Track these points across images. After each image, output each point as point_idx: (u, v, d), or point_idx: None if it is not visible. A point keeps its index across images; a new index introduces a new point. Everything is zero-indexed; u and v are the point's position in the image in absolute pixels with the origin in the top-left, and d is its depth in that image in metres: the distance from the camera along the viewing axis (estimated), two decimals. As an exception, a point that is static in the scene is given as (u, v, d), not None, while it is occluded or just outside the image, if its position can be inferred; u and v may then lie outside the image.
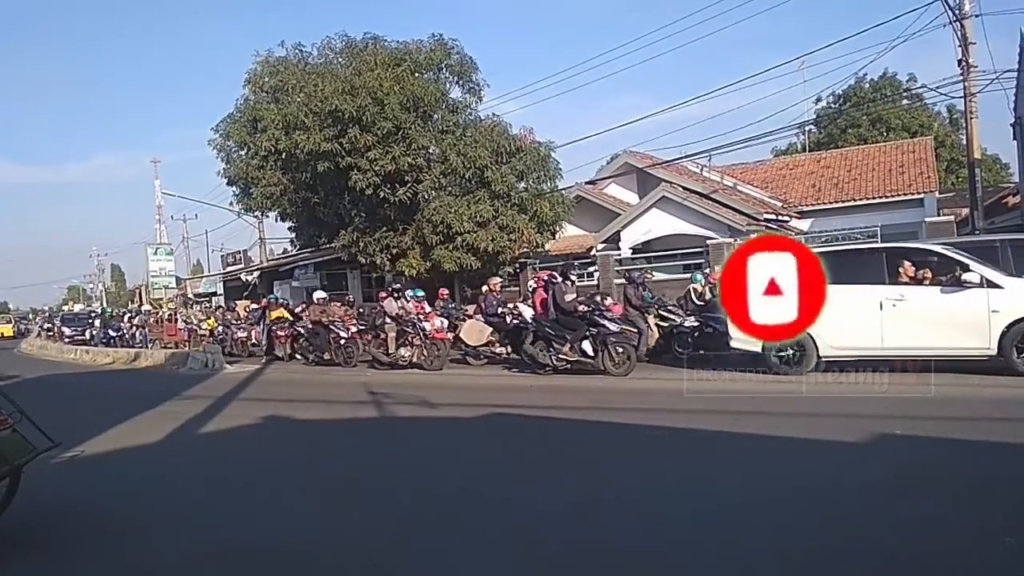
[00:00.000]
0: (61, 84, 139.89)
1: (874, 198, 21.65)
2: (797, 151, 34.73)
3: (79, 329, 33.60)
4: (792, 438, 6.33)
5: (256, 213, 26.59)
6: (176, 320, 24.96)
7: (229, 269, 38.26)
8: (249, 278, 33.41)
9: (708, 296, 12.10)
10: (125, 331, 26.99)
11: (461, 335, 13.70)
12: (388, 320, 13.75)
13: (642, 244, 20.98)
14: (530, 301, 12.61)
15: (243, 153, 19.92)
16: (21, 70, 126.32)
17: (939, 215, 17.79)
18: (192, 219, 46.71)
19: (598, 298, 11.82)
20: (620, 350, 10.82)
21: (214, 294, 38.48)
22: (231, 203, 24.79)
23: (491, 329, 13.42)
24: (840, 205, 22.11)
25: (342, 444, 7.77)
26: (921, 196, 20.73)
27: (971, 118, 15.18)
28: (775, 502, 4.62)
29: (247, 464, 6.86)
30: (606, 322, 10.90)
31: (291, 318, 17.56)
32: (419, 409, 9.16)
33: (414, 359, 13.33)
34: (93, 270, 69.62)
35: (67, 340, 31.43)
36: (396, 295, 14.08)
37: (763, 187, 24.17)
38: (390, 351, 13.60)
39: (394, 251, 18.15)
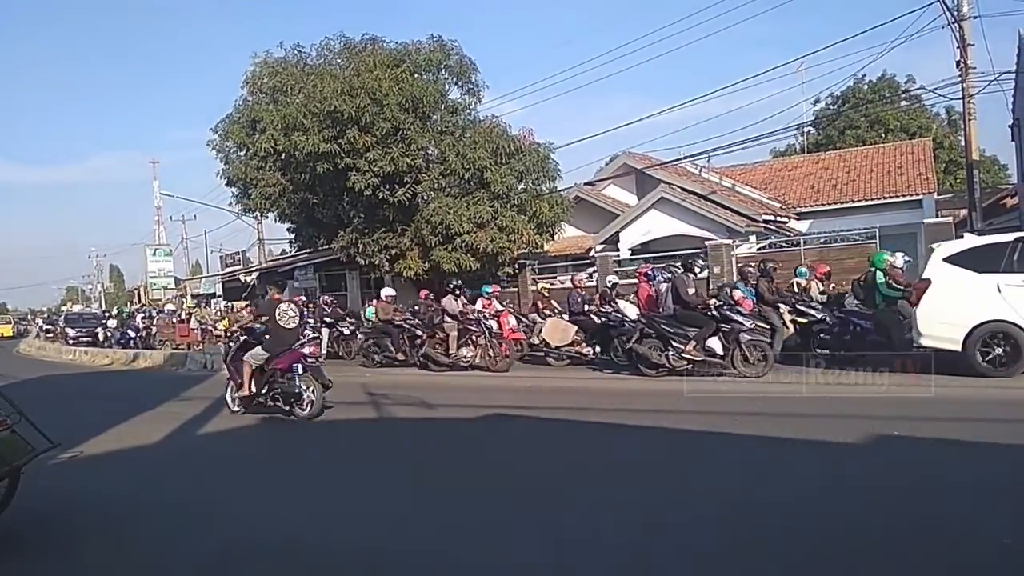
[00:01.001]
0: (60, 84, 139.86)
1: (873, 199, 21.67)
2: (796, 152, 34.78)
3: (85, 330, 31.15)
4: (792, 439, 6.34)
5: (255, 214, 26.53)
6: (189, 320, 23.92)
7: (228, 270, 38.26)
8: (248, 279, 33.41)
9: (818, 292, 11.27)
10: (142, 330, 25.26)
11: (543, 335, 12.96)
12: (448, 319, 13.04)
13: (641, 245, 20.99)
14: (632, 297, 12.15)
15: (242, 154, 19.86)
16: (20, 70, 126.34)
17: (938, 216, 17.79)
18: (191, 220, 46.78)
19: (727, 290, 11.06)
20: (755, 349, 9.84)
21: (213, 295, 38.47)
22: (230, 204, 24.73)
23: (575, 328, 12.70)
24: (839, 206, 22.12)
25: (352, 443, 7.77)
26: (920, 197, 20.75)
27: (969, 119, 15.20)
28: (775, 503, 4.62)
29: (246, 465, 6.86)
30: (739, 318, 9.97)
31: None
32: (417, 410, 9.16)
33: (476, 360, 12.65)
34: (92, 271, 69.72)
35: (71, 341, 29.53)
36: (457, 293, 13.38)
37: (762, 188, 24.19)
38: (451, 351, 12.85)
39: (393, 252, 18.13)
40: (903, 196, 21.05)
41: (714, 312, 9.99)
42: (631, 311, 11.69)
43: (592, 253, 21.13)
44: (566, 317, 13.34)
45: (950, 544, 3.80)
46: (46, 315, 54.75)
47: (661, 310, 10.49)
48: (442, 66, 17.86)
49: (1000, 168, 36.31)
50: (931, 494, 4.70)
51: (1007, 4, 21.45)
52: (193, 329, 22.36)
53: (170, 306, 30.40)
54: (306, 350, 8.88)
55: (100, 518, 5.20)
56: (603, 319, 12.43)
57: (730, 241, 18.12)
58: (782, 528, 4.15)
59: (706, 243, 18.03)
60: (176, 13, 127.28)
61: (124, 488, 6.07)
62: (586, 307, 12.92)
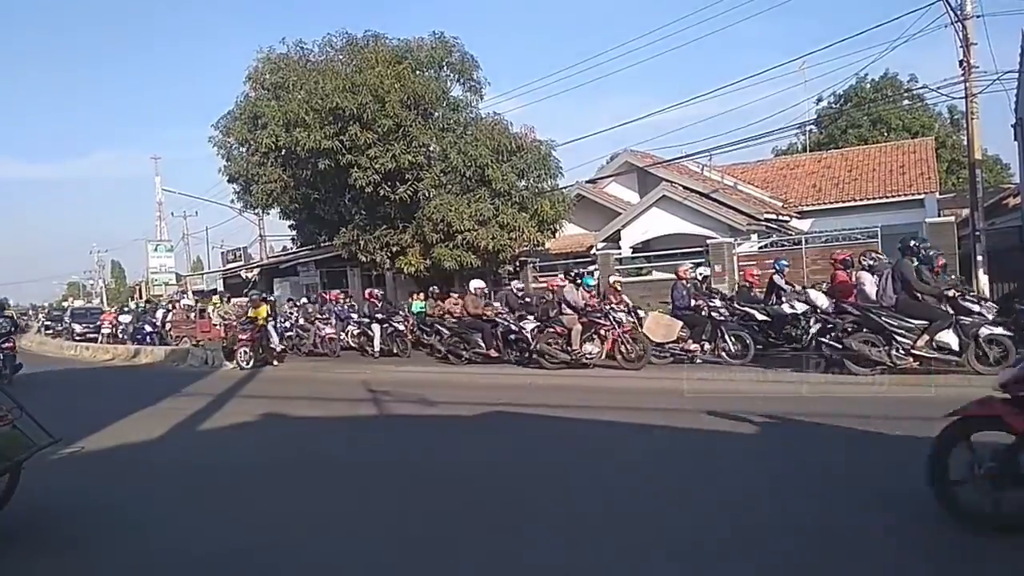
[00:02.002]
0: (62, 80, 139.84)
1: (875, 198, 21.66)
2: (798, 151, 34.72)
3: (92, 325, 29.21)
4: (792, 439, 6.34)
5: (256, 210, 26.51)
6: (209, 316, 22.88)
7: (229, 266, 38.28)
8: (249, 275, 33.44)
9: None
10: (160, 326, 23.99)
11: (644, 330, 11.75)
12: (568, 311, 11.88)
13: (642, 243, 20.98)
14: (825, 285, 11.26)
15: (244, 150, 19.88)
16: (22, 66, 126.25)
17: (940, 216, 17.78)
18: (192, 216, 46.65)
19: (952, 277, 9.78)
20: (995, 345, 8.50)
21: (214, 291, 38.49)
22: (232, 200, 24.76)
23: (681, 324, 11.65)
24: (840, 205, 22.12)
25: (346, 439, 7.77)
26: (922, 197, 20.73)
27: (972, 119, 15.16)
28: (774, 503, 4.62)
29: (247, 461, 6.86)
30: (980, 309, 8.81)
31: (265, 323, 15.96)
32: (417, 407, 9.15)
33: (602, 357, 11.58)
34: (93, 266, 69.71)
35: (78, 337, 28.14)
36: (578, 281, 12.41)
37: (763, 187, 24.17)
38: (572, 347, 11.60)
39: (394, 249, 18.15)
40: (905, 195, 21.05)
41: (950, 303, 8.71)
42: (821, 300, 10.56)
43: (593, 251, 21.12)
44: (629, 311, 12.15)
45: (949, 544, 3.80)
46: (47, 310, 54.47)
47: (881, 301, 9.08)
48: (444, 63, 17.87)
49: (1003, 168, 36.27)
50: (930, 494, 4.69)
51: (1010, 3, 21.46)
52: (215, 325, 21.21)
53: (187, 300, 29.10)
54: None
55: (101, 513, 5.20)
56: (713, 313, 11.46)
57: (732, 240, 18.12)
58: (782, 528, 4.15)
59: (708, 241, 18.03)
60: (178, 9, 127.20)
61: (125, 484, 6.08)
62: (693, 301, 11.85)
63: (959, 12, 14.53)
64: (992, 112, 26.17)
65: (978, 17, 14.69)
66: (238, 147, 20.01)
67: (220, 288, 36.24)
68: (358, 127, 16.15)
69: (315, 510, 5.03)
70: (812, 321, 10.55)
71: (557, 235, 19.84)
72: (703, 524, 4.31)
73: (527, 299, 14.30)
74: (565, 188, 19.78)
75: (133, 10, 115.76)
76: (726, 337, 11.25)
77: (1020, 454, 3.74)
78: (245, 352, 15.65)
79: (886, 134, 33.68)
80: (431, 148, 17.65)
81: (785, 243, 18.20)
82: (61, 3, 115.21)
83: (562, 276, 13.36)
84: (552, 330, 11.96)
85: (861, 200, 21.96)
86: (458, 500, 5.10)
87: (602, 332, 11.56)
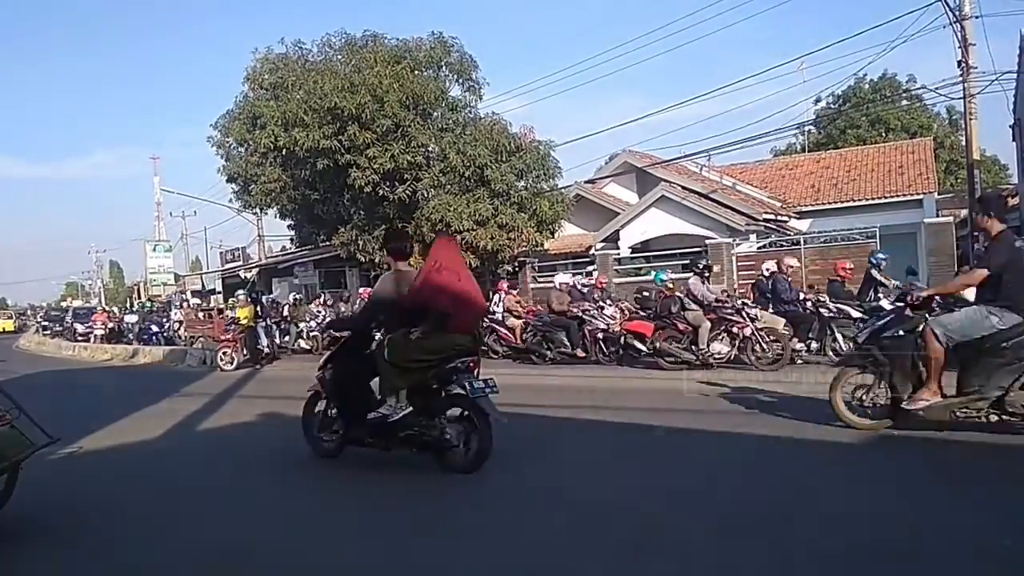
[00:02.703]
0: (61, 80, 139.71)
1: (873, 199, 21.70)
2: (796, 151, 34.77)
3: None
4: (791, 439, 6.33)
5: (255, 210, 26.50)
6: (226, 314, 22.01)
7: (228, 266, 38.27)
8: (248, 275, 33.44)
9: None
10: (168, 327, 23.62)
11: None
12: (694, 306, 10.77)
13: (641, 243, 21.00)
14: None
15: (242, 150, 19.89)
16: (21, 66, 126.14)
17: (938, 216, 17.81)
18: (191, 216, 46.79)
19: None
20: None
21: (213, 291, 38.48)
22: (230, 200, 24.77)
23: (783, 321, 10.65)
24: (839, 205, 22.15)
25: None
26: (920, 197, 20.77)
27: (970, 119, 15.19)
28: (774, 503, 4.62)
29: (246, 461, 6.85)
30: None
31: (252, 323, 15.66)
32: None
33: (732, 356, 10.55)
34: (92, 266, 69.71)
35: (80, 337, 27.36)
36: (706, 274, 11.20)
37: (762, 187, 24.20)
38: (699, 346, 10.52)
39: (393, 249, 18.13)
40: (904, 196, 21.08)
41: None
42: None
43: (592, 251, 21.14)
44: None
45: (948, 545, 3.80)
46: (45, 310, 54.24)
47: None
48: (443, 63, 17.87)
49: (1001, 168, 36.35)
50: (929, 494, 4.70)
51: (1009, 4, 21.57)
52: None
53: (195, 300, 28.28)
54: None
55: (99, 514, 5.19)
56: (821, 309, 10.60)
57: (730, 240, 18.14)
58: (781, 528, 4.15)
59: (706, 242, 18.05)
60: (177, 9, 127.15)
61: (123, 484, 6.06)
62: (801, 295, 10.90)
63: (958, 13, 14.56)
64: (990, 112, 26.25)
65: (977, 18, 14.75)
66: (237, 147, 20.01)
67: (219, 288, 36.22)
68: (357, 127, 16.15)
69: (313, 510, 5.03)
70: None
71: (556, 235, 19.85)
72: (700, 524, 4.30)
73: (591, 294, 13.73)
74: (564, 188, 19.80)
75: (132, 11, 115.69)
76: (836, 335, 10.39)
77: None
78: (227, 354, 15.34)
79: (884, 134, 33.74)
80: (430, 148, 17.65)
81: (784, 243, 18.22)
82: (60, 4, 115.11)
83: (691, 268, 11.68)
84: (673, 328, 10.89)
85: (860, 200, 21.99)
86: (455, 500, 5.10)
87: (734, 330, 10.48)
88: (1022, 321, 5.35)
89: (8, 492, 4.87)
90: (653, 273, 12.88)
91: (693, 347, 10.63)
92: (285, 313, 18.19)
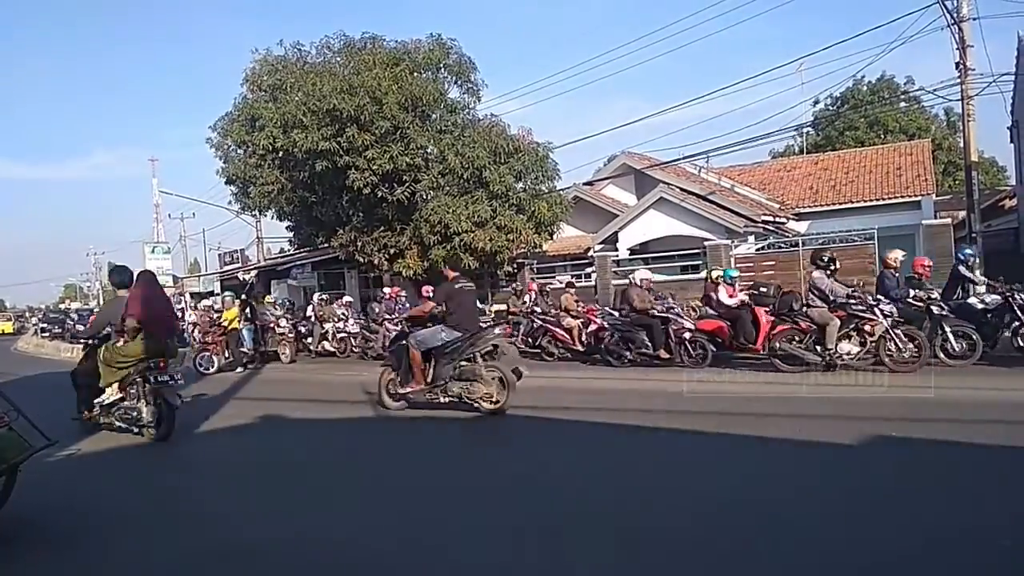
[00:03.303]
0: (60, 81, 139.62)
1: (871, 200, 21.71)
2: (795, 153, 34.84)
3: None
4: (790, 439, 6.34)
5: (254, 212, 26.49)
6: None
7: (226, 268, 38.24)
8: (246, 277, 33.40)
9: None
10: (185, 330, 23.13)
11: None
12: (818, 303, 9.93)
13: (640, 245, 21.01)
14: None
15: (241, 152, 19.85)
16: (20, 67, 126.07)
17: (936, 218, 17.85)
18: (189, 218, 46.78)
19: None
20: None
21: (211, 293, 38.42)
22: (229, 202, 24.70)
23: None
24: (837, 207, 22.16)
25: (347, 442, 7.76)
26: (918, 199, 20.79)
27: (968, 121, 15.24)
28: (772, 503, 4.62)
29: (240, 464, 6.84)
30: None
31: (237, 326, 15.47)
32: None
33: (859, 358, 9.67)
34: (90, 268, 69.64)
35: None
36: (831, 268, 10.14)
37: (761, 189, 24.22)
38: (827, 345, 9.65)
39: (392, 251, 18.14)
40: (902, 197, 21.09)
41: None
42: None
43: (591, 253, 21.15)
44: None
45: (949, 545, 3.80)
46: (43, 312, 54.01)
47: None
48: (441, 65, 17.88)
49: (999, 170, 36.41)
50: (929, 495, 4.70)
51: (1007, 6, 21.56)
52: None
53: (206, 301, 26.52)
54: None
55: (96, 516, 5.18)
56: (932, 307, 10.03)
57: (729, 242, 18.16)
58: (780, 529, 4.15)
59: (705, 243, 18.06)
60: (177, 10, 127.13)
61: (120, 486, 6.06)
62: (913, 292, 10.26)
63: (956, 14, 14.61)
64: (989, 114, 26.30)
65: (975, 19, 14.80)
66: (236, 149, 19.98)
67: (217, 290, 36.16)
68: (356, 129, 16.14)
69: (310, 510, 5.02)
70: (1008, 318, 9.64)
71: (555, 237, 19.86)
72: (699, 524, 4.30)
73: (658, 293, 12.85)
74: (563, 190, 19.80)
75: (131, 12, 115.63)
76: (948, 335, 9.76)
77: None
78: (207, 356, 15.02)
79: (883, 136, 33.81)
80: (428, 150, 17.65)
81: (782, 245, 18.23)
82: (59, 5, 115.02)
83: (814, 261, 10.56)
84: (795, 326, 10.14)
85: (858, 202, 22.00)
86: (454, 500, 5.09)
87: (867, 328, 9.63)
88: (459, 336, 8.13)
89: (6, 494, 4.86)
90: (722, 270, 12.39)
91: (817, 347, 9.85)
92: (309, 313, 17.56)
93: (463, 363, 8.14)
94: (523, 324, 14.79)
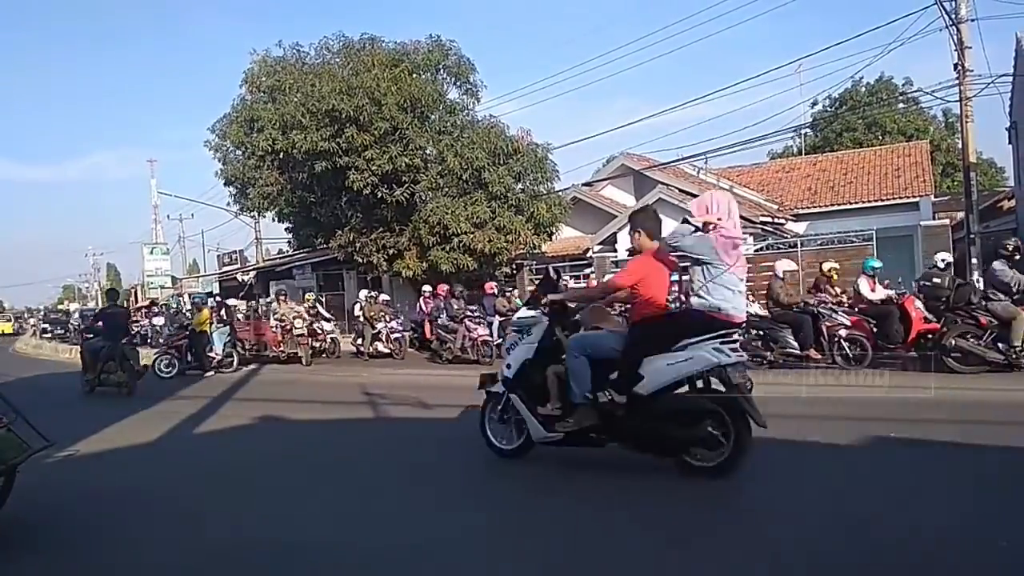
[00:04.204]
0: (58, 83, 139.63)
1: (870, 201, 21.74)
2: (793, 154, 34.87)
3: None
4: (789, 439, 6.32)
5: (253, 213, 26.50)
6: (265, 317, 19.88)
7: (225, 269, 38.24)
8: (245, 278, 33.39)
9: None
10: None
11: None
12: (1001, 296, 9.18)
13: (639, 246, 20.99)
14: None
15: (240, 153, 19.88)
16: (19, 68, 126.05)
17: (934, 219, 17.88)
18: (188, 219, 46.72)
19: None
20: None
21: (210, 294, 38.37)
22: (228, 203, 24.75)
23: None
24: (836, 208, 22.20)
25: (337, 441, 7.75)
26: (917, 200, 20.82)
27: (967, 122, 15.26)
28: (771, 503, 4.62)
29: (243, 463, 6.83)
30: None
31: (206, 328, 14.71)
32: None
33: None
34: (89, 269, 69.58)
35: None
36: (1016, 256, 9.43)
37: (759, 190, 24.24)
38: (1014, 342, 8.90)
39: (391, 252, 18.14)
40: (900, 198, 21.13)
41: None
42: None
43: (589, 254, 21.15)
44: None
45: (947, 545, 3.80)
46: (45, 313, 53.76)
47: None
48: (440, 66, 17.90)
49: (997, 171, 36.43)
50: (926, 495, 4.70)
51: (1005, 7, 21.68)
52: (272, 328, 17.03)
53: (233, 301, 22.94)
54: None
55: (95, 517, 5.17)
56: None
57: (728, 242, 18.14)
58: (776, 529, 4.15)
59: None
60: (175, 11, 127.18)
61: (119, 487, 6.04)
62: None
63: (954, 16, 14.63)
64: (987, 115, 26.31)
65: (973, 21, 14.83)
66: (234, 150, 20.01)
67: (216, 290, 36.17)
68: (355, 129, 16.15)
69: (309, 510, 5.01)
70: None
71: (553, 238, 19.87)
72: (698, 525, 4.30)
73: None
74: (561, 191, 19.82)
75: (130, 13, 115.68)
76: None
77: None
78: (168, 359, 14.50)
79: (881, 137, 33.83)
80: (428, 151, 17.67)
81: (781, 246, 18.25)
82: (58, 5, 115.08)
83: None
84: (970, 322, 9.30)
85: (856, 203, 22.03)
86: (453, 499, 5.09)
87: None
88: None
89: (4, 495, 4.85)
90: (865, 260, 11.48)
91: (999, 344, 9.07)
92: (357, 313, 16.65)
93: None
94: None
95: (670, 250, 5.07)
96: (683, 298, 5.42)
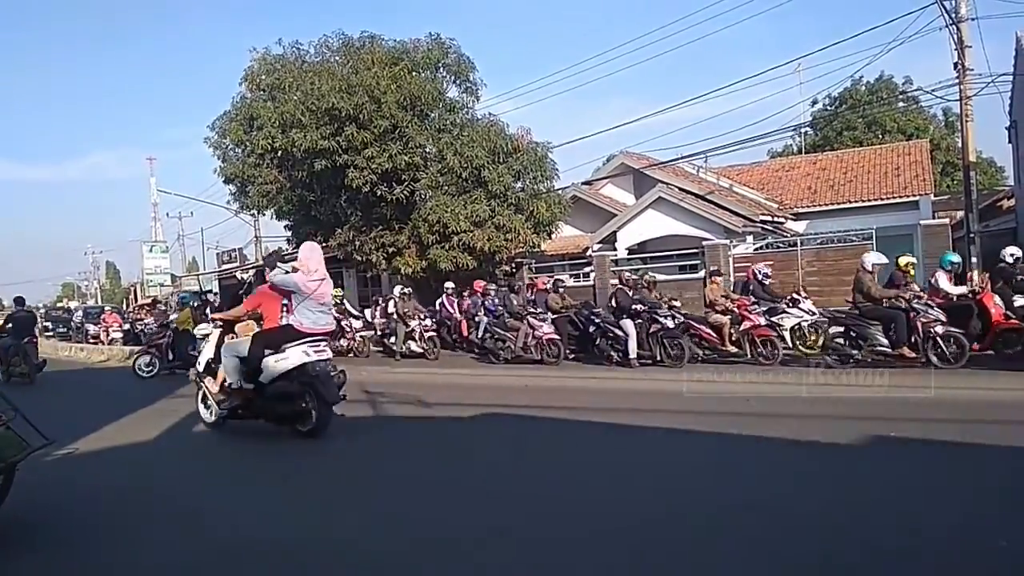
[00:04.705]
0: (58, 82, 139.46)
1: (869, 200, 21.73)
2: (793, 153, 34.85)
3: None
4: (789, 439, 6.34)
5: (252, 211, 26.45)
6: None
7: (224, 267, 38.15)
8: (244, 276, 33.31)
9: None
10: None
11: None
12: None
13: (638, 245, 21.01)
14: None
15: (239, 151, 19.84)
16: (18, 68, 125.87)
17: (934, 218, 17.86)
18: (188, 217, 46.76)
19: None
20: None
21: (210, 291, 38.32)
22: (227, 201, 24.68)
23: None
24: (836, 207, 22.19)
25: (350, 442, 7.75)
26: (916, 199, 20.81)
27: (967, 121, 15.24)
28: (770, 504, 4.62)
29: (239, 463, 6.84)
30: None
31: (188, 328, 13.95)
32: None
33: None
34: (88, 267, 69.55)
35: (92, 340, 25.04)
36: None
37: (759, 189, 24.23)
38: None
39: (390, 250, 18.11)
40: (900, 197, 21.12)
41: None
42: None
43: (589, 253, 21.14)
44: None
45: (947, 545, 3.80)
46: (46, 310, 53.63)
47: None
48: (440, 64, 17.85)
49: (997, 170, 36.42)
50: (928, 495, 4.70)
51: (1005, 6, 21.65)
52: None
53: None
54: None
55: (94, 515, 5.17)
56: None
57: (727, 241, 18.15)
58: (778, 529, 4.15)
59: (703, 243, 18.06)
60: (174, 10, 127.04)
61: (118, 485, 6.04)
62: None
63: (954, 15, 14.61)
64: (987, 115, 26.32)
65: (973, 20, 14.80)
66: (234, 148, 19.96)
67: (216, 289, 36.11)
68: (354, 128, 16.12)
69: (309, 509, 5.01)
70: None
71: (553, 237, 19.84)
72: (698, 525, 4.30)
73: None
74: (561, 190, 19.78)
75: (129, 11, 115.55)
76: None
77: None
78: (148, 358, 14.56)
79: (881, 136, 33.82)
80: (427, 149, 17.62)
81: (780, 245, 18.24)
82: (58, 5, 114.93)
83: None
84: None
85: (856, 202, 22.03)
86: (453, 499, 5.09)
87: None
88: None
89: (4, 493, 4.86)
90: (941, 255, 10.98)
91: None
92: (391, 310, 15.85)
93: None
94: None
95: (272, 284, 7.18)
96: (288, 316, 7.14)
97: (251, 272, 32.62)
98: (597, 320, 12.55)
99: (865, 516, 4.25)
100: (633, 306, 11.91)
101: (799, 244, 17.13)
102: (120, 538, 4.64)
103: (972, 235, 14.98)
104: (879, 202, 21.36)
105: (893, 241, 17.23)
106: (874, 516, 4.24)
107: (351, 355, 16.14)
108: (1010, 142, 20.42)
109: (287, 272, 7.08)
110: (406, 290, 16.23)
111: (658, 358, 11.55)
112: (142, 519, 5.00)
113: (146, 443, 7.70)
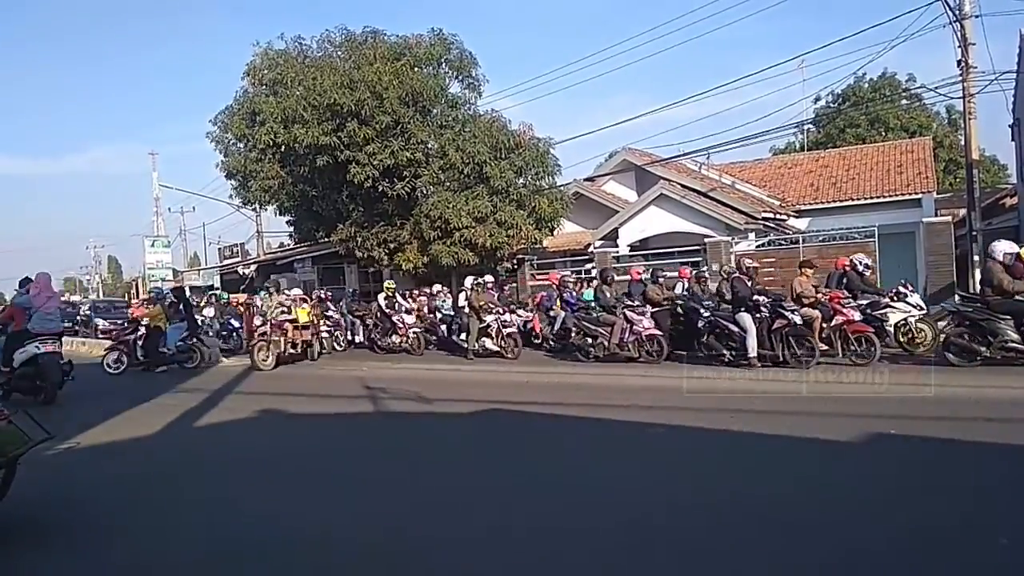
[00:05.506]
0: (59, 75, 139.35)
1: (872, 198, 21.65)
2: (795, 150, 34.76)
3: (120, 321, 22.34)
4: (789, 437, 6.34)
5: (254, 206, 26.47)
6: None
7: (226, 262, 38.16)
8: (246, 271, 33.35)
9: None
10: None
11: None
12: None
13: (640, 242, 20.97)
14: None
15: (241, 146, 19.84)
16: (20, 61, 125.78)
17: (937, 215, 17.80)
18: (190, 212, 46.72)
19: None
20: None
21: (211, 287, 38.34)
22: (229, 196, 24.72)
23: None
24: (838, 204, 22.11)
25: (334, 436, 7.76)
26: (919, 196, 20.74)
27: (970, 119, 15.19)
28: (770, 503, 4.63)
29: (241, 458, 6.84)
30: None
31: (159, 325, 14.14)
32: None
33: None
34: (90, 262, 69.62)
35: (102, 335, 23.09)
36: None
37: (761, 186, 24.17)
38: None
39: (392, 246, 18.11)
40: (902, 195, 21.04)
41: None
42: None
43: (591, 249, 21.11)
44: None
45: (946, 544, 3.80)
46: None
47: None
48: (442, 60, 17.83)
49: (1000, 168, 36.32)
50: (927, 493, 4.70)
51: (1008, 3, 21.63)
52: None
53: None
54: None
55: (94, 509, 5.19)
56: None
57: (729, 238, 18.12)
58: (777, 527, 4.15)
59: (705, 240, 18.03)
60: (177, 4, 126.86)
61: (119, 479, 6.05)
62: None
63: (958, 12, 14.56)
64: (990, 112, 26.28)
65: (976, 17, 14.75)
66: (236, 143, 19.96)
67: (217, 284, 36.10)
68: (356, 123, 16.11)
69: (311, 505, 5.02)
70: None
71: (555, 233, 19.83)
72: (698, 523, 4.30)
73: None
74: (563, 186, 19.77)
75: (131, 5, 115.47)
76: None
77: None
78: (117, 355, 14.31)
79: (884, 134, 33.71)
80: (429, 145, 17.61)
81: (783, 242, 18.20)
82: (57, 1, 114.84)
83: None
84: None
85: (858, 199, 21.95)
86: (454, 498, 5.10)
87: None
88: None
89: (5, 488, 4.86)
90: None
91: None
92: (462, 303, 14.84)
93: None
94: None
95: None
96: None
97: (252, 267, 32.78)
98: (707, 314, 11.24)
99: (863, 513, 4.25)
100: (755, 297, 10.53)
101: (801, 242, 17.10)
102: (122, 531, 4.65)
103: (974, 233, 14.94)
104: (881, 200, 21.28)
105: (895, 239, 17.21)
106: (873, 513, 4.25)
107: (402, 354, 14.92)
108: (1013, 140, 20.33)
109: (23, 294, 10.61)
110: (479, 280, 14.74)
111: (781, 358, 10.22)
112: (144, 513, 5.01)
113: (148, 437, 7.71)
